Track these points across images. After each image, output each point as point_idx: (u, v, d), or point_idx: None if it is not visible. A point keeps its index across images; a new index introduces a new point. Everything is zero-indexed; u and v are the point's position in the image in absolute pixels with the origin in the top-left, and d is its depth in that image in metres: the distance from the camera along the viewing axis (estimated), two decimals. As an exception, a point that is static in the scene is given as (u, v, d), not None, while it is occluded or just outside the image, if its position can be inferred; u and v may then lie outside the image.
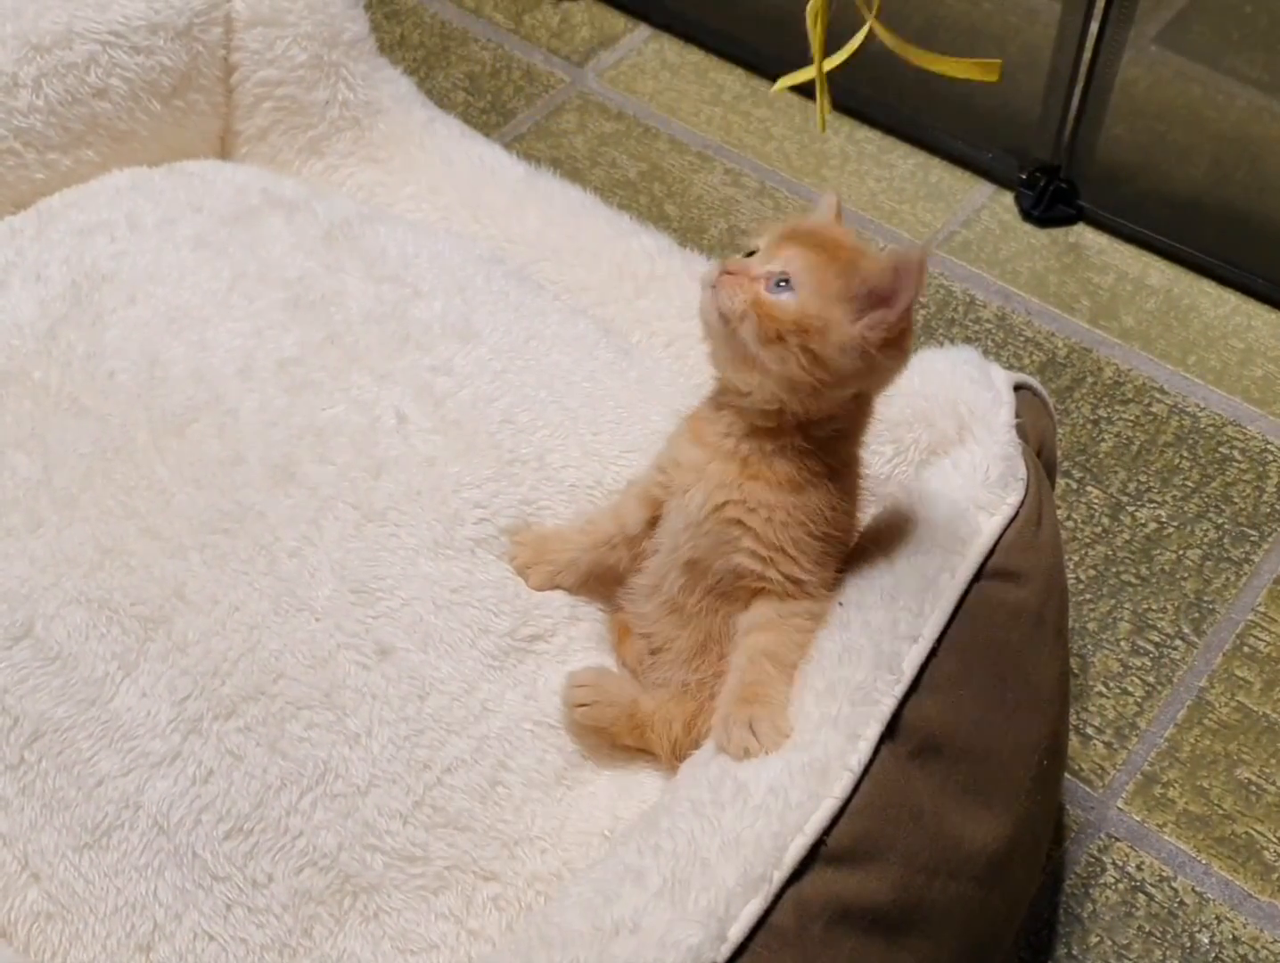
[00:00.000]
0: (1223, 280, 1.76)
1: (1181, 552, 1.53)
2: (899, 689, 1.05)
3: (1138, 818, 1.36)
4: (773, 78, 2.06)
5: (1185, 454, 1.61)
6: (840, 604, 1.10)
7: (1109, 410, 1.64)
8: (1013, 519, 1.15)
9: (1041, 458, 1.25)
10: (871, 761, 1.02)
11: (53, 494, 1.19)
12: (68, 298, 1.30)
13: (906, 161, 1.90)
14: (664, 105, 1.96)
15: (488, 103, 1.96)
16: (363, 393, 1.26)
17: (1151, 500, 1.57)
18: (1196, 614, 1.48)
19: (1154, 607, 1.49)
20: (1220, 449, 1.61)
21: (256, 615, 1.13)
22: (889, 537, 1.13)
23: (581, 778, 1.15)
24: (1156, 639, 1.46)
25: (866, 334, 1.02)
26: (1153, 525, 1.55)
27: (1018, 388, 1.25)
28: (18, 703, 1.11)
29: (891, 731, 1.04)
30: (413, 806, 1.09)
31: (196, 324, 1.29)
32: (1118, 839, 1.35)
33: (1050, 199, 1.82)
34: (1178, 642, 1.47)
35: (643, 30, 2.05)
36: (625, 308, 1.46)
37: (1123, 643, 1.47)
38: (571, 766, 1.15)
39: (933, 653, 1.08)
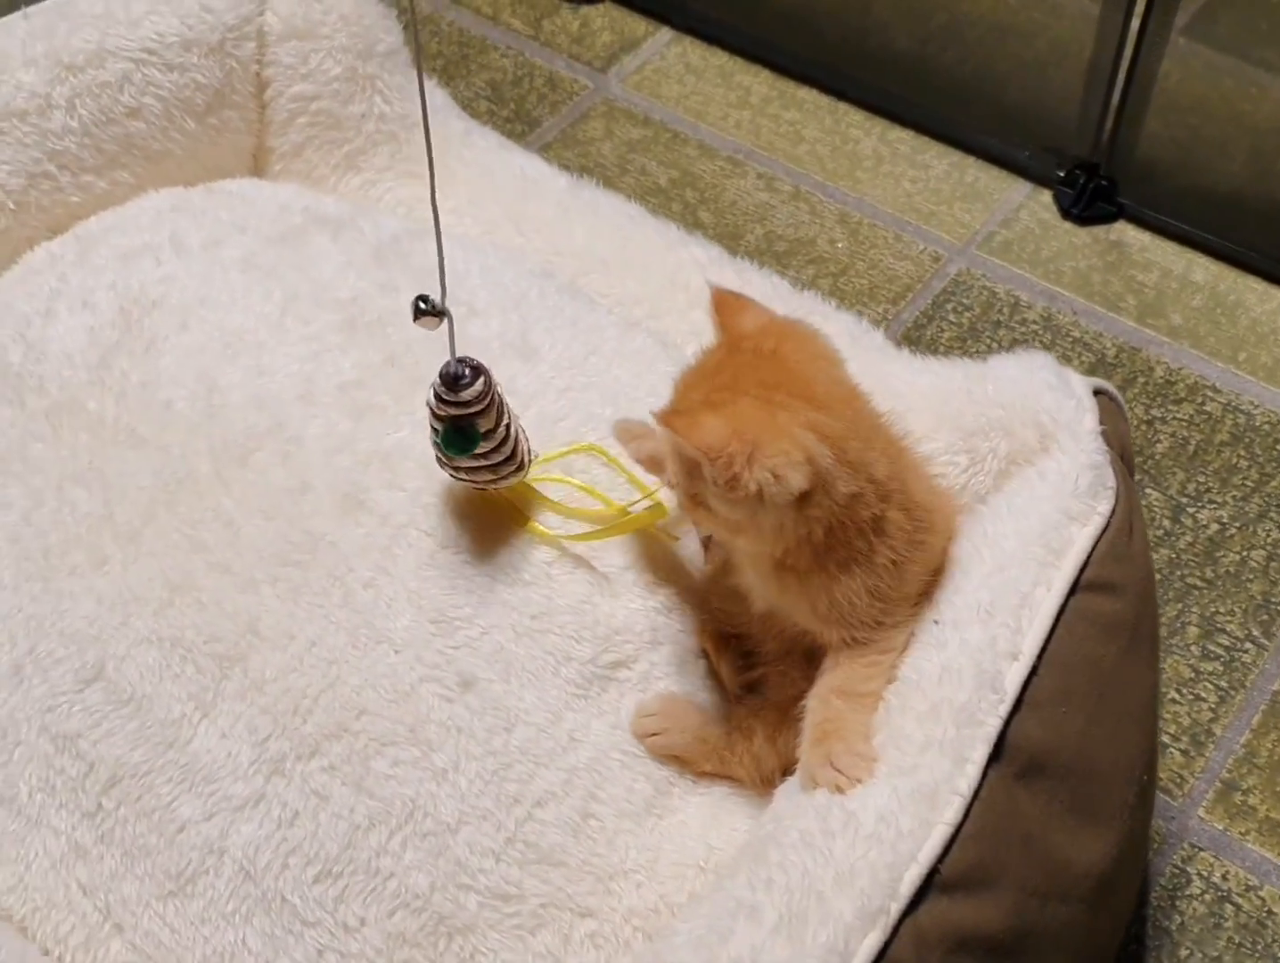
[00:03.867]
0: (1268, 276, 1.74)
1: (1245, 553, 1.51)
2: (1003, 709, 1.02)
3: (1220, 827, 1.34)
4: (800, 77, 2.06)
5: (1243, 453, 1.58)
6: (936, 622, 1.08)
7: (1162, 410, 1.62)
8: (1105, 529, 1.12)
9: (1123, 464, 1.23)
10: (980, 784, 1.00)
11: (115, 530, 1.15)
12: (118, 325, 1.26)
13: (941, 162, 1.87)
14: (691, 110, 1.93)
15: (511, 111, 1.92)
16: (427, 414, 1.22)
17: (1212, 501, 1.54)
18: (1265, 616, 1.46)
19: (1221, 610, 1.47)
20: (1277, 447, 1.58)
21: (334, 650, 1.10)
22: (979, 551, 1.11)
23: (671, 807, 1.12)
24: (1226, 643, 1.44)
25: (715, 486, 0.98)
26: (1214, 527, 1.53)
27: (1096, 393, 1.23)
28: (93, 748, 1.08)
29: (997, 752, 1.01)
30: (505, 842, 1.06)
31: (252, 349, 1.25)
32: (1201, 849, 1.32)
33: (1090, 197, 1.80)
34: (1248, 645, 1.44)
35: (664, 33, 2.02)
36: (679, 320, 1.43)
37: (1193, 648, 1.45)
38: (660, 793, 1.12)
39: (1033, 670, 1.05)
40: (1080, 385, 1.22)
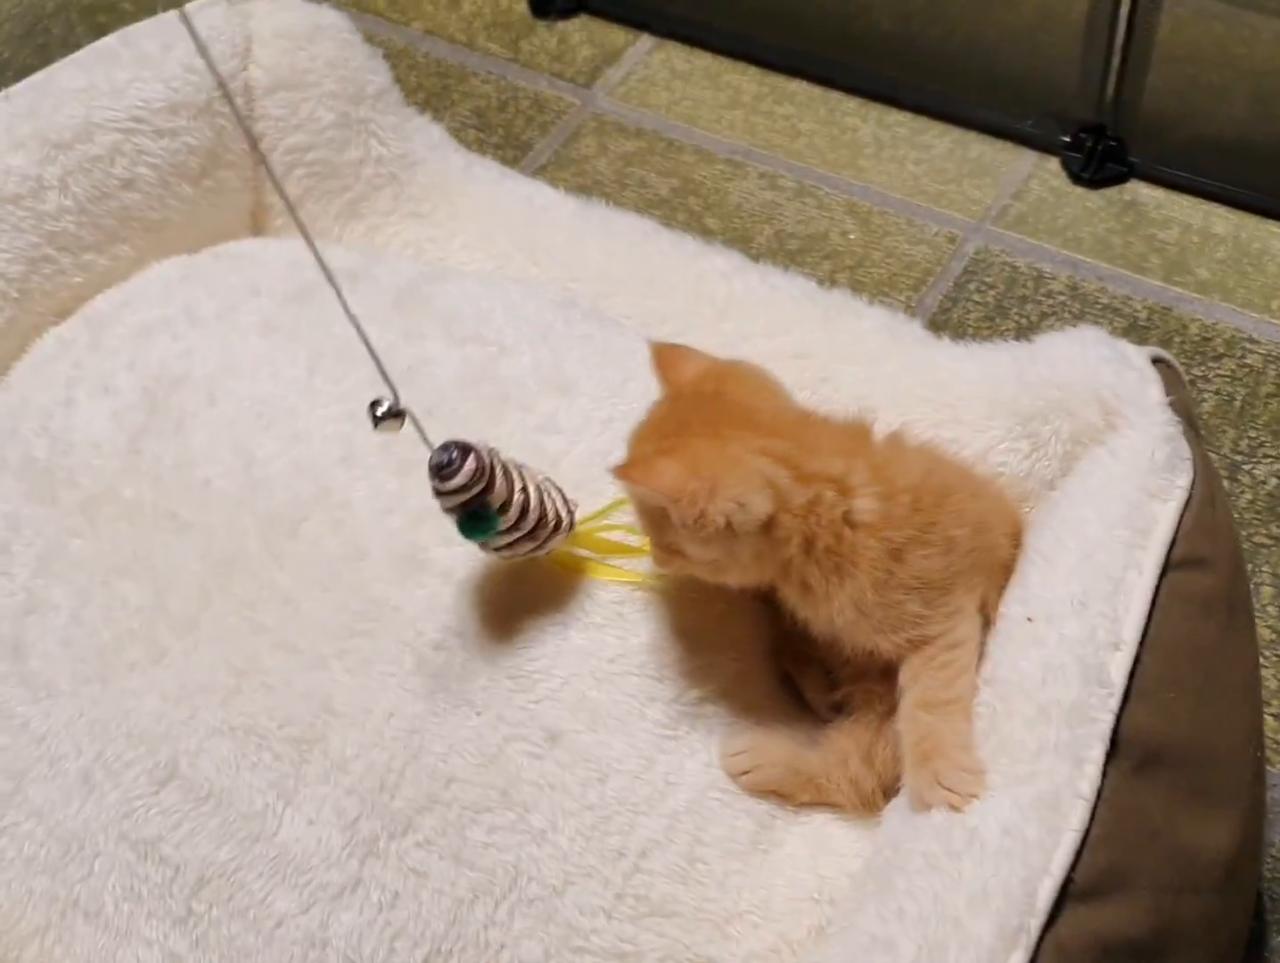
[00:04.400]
0: (1292, 221, 1.72)
1: (1308, 506, 1.48)
2: (1113, 703, 0.99)
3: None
4: (788, 70, 2.02)
5: (1293, 402, 1.56)
6: (1030, 619, 1.04)
7: (1203, 368, 1.59)
8: (1187, 503, 1.09)
9: (1193, 431, 1.19)
10: (1101, 784, 0.96)
11: (170, 620, 1.11)
12: (143, 406, 1.22)
13: (943, 140, 1.84)
14: (682, 115, 1.89)
15: (501, 138, 1.89)
16: (473, 464, 1.18)
17: (1267, 456, 1.51)
18: (1334, 570, 1.43)
19: (1292, 567, 1.44)
20: (1325, 392, 1.56)
21: (414, 719, 1.06)
22: (1062, 541, 1.07)
23: (775, 840, 1.08)
24: (1296, 601, 1.41)
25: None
26: (1274, 481, 1.49)
27: (1154, 362, 1.19)
28: (175, 851, 1.04)
29: (1112, 747, 0.98)
30: (614, 898, 1.02)
31: (285, 415, 1.21)
32: (1307, 818, 1.29)
33: (1100, 159, 1.77)
34: (1302, 600, 1.41)
35: (645, 41, 1.98)
36: (709, 333, 1.38)
37: (1269, 609, 1.41)
38: (763, 828, 1.08)
39: (1136, 658, 1.02)
40: (1137, 356, 1.19)
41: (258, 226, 1.51)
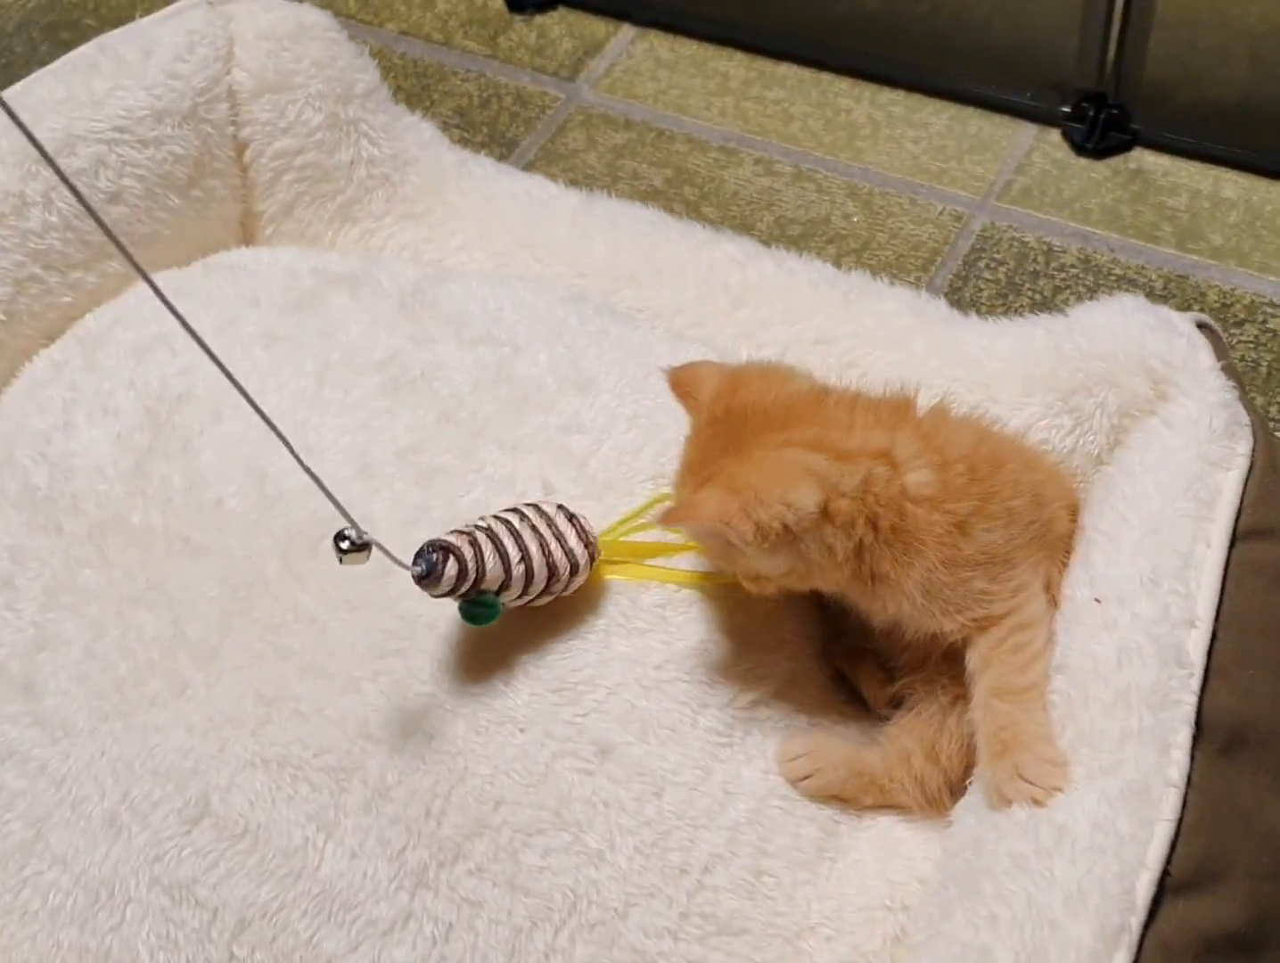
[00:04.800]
0: (1302, 181, 1.68)
1: (1344, 468, 1.43)
2: (1195, 683, 0.95)
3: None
4: (775, 54, 1.97)
5: (1319, 364, 1.52)
6: (1098, 601, 0.99)
7: (1226, 335, 1.54)
8: (1250, 470, 1.05)
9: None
10: (1190, 770, 0.92)
11: (191, 649, 1.05)
12: (146, 427, 1.16)
13: (940, 118, 1.79)
14: (671, 105, 1.84)
15: (485, 136, 1.83)
16: (498, 469, 1.13)
17: (1298, 421, 1.48)
18: (1380, 532, 1.39)
19: (1338, 533, 1.39)
20: (1352, 353, 1.52)
21: (456, 740, 1.00)
22: (1124, 517, 1.03)
23: (842, 847, 1.03)
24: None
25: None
26: (1281, 446, 1.46)
27: (1199, 327, 1.15)
28: (212, 893, 0.98)
29: (1197, 731, 0.93)
30: (679, 918, 0.97)
31: (295, 428, 1.15)
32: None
33: (1103, 128, 1.73)
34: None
35: (626, 31, 1.93)
36: (725, 323, 1.34)
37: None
38: (828, 835, 1.03)
39: (1212, 636, 0.97)
40: (1182, 322, 1.14)
41: (247, 236, 1.45)
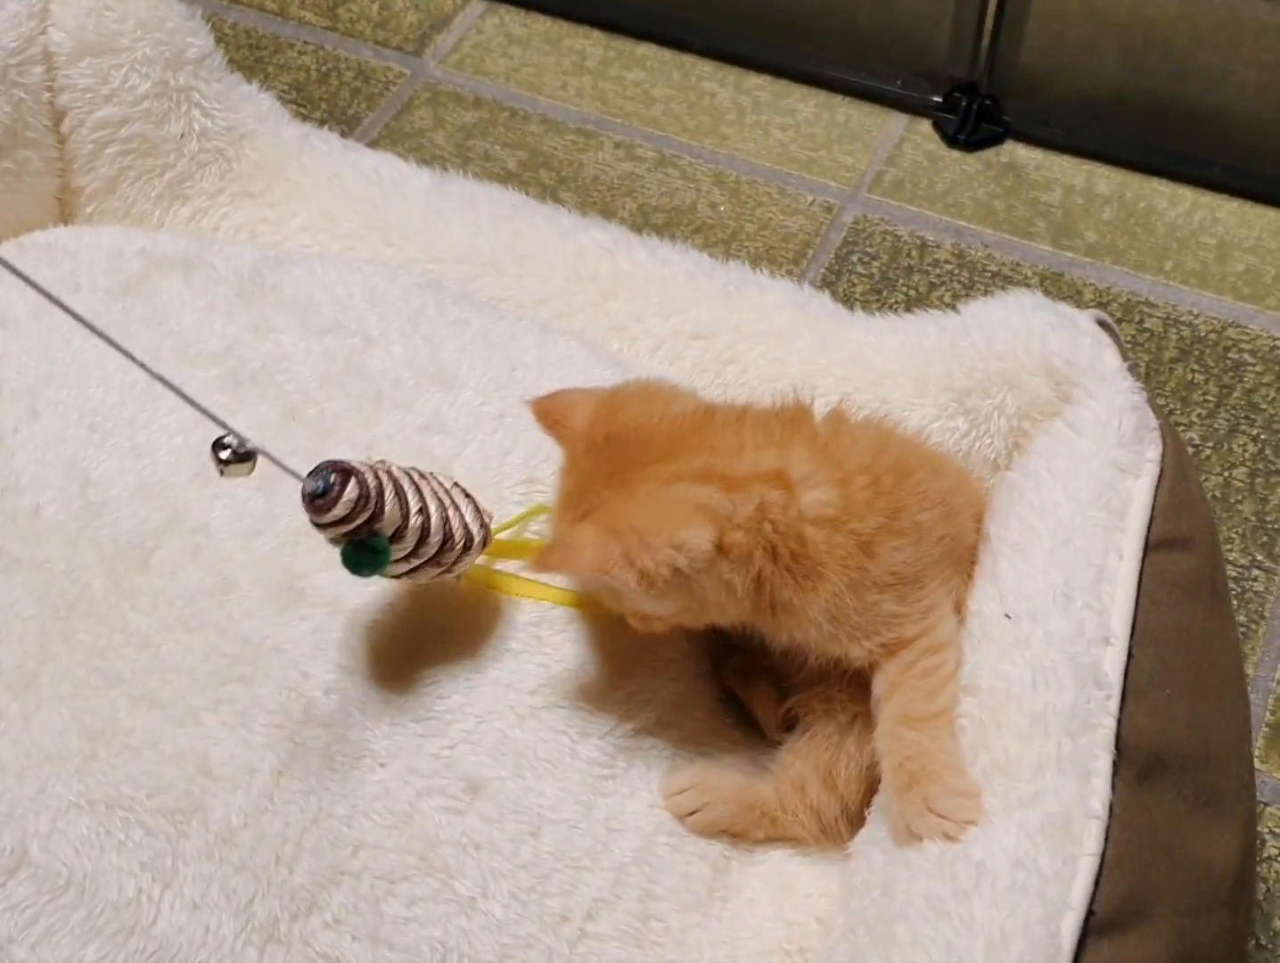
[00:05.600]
0: (1172, 176, 1.64)
1: (1227, 473, 1.40)
2: (1113, 705, 0.88)
3: (1278, 776, 1.22)
4: (635, 34, 1.87)
5: (1195, 367, 1.47)
6: (1008, 616, 0.93)
7: (1103, 335, 1.50)
8: (1160, 477, 0.99)
9: (1148, 400, 1.09)
10: (1110, 799, 0.85)
11: (3, 677, 0.93)
12: (-50, 425, 1.03)
13: (807, 105, 1.72)
14: (524, 84, 1.74)
15: (324, 113, 1.71)
16: (351, 473, 1.02)
17: (1178, 423, 1.43)
18: (1264, 537, 1.35)
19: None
20: (1229, 355, 1.48)
21: (308, 777, 0.90)
22: (1032, 527, 0.96)
23: (733, 885, 0.95)
24: (1233, 574, 1.33)
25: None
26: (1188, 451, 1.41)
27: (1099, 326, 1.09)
28: (31, 954, 0.86)
29: (1117, 756, 0.87)
30: (561, 970, 0.88)
31: (122, 427, 1.04)
32: (1267, 804, 1.20)
33: (975, 119, 1.67)
34: (1255, 572, 1.33)
35: (476, 5, 1.82)
36: (595, 315, 1.25)
37: (1200, 585, 1.33)
38: (718, 872, 0.95)
39: (1128, 653, 0.91)
40: (1084, 320, 1.08)
41: (66, 214, 1.32)
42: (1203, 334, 1.50)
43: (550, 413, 0.94)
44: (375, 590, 0.96)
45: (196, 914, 0.86)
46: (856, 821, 0.95)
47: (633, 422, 0.91)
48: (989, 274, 1.55)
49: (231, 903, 0.86)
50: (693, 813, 0.95)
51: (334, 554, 0.96)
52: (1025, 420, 1.07)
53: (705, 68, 1.76)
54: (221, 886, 0.87)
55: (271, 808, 0.88)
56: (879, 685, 0.91)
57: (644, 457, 0.88)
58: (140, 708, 0.91)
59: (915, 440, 1.03)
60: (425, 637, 0.95)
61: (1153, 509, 0.97)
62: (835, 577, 0.87)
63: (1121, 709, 0.89)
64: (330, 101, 1.73)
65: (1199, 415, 1.43)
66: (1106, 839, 0.84)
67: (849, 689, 0.94)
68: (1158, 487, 0.98)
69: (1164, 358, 1.48)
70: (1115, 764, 0.86)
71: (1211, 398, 1.45)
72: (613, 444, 0.90)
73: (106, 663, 0.93)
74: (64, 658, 0.93)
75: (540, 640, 0.97)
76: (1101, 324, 1.09)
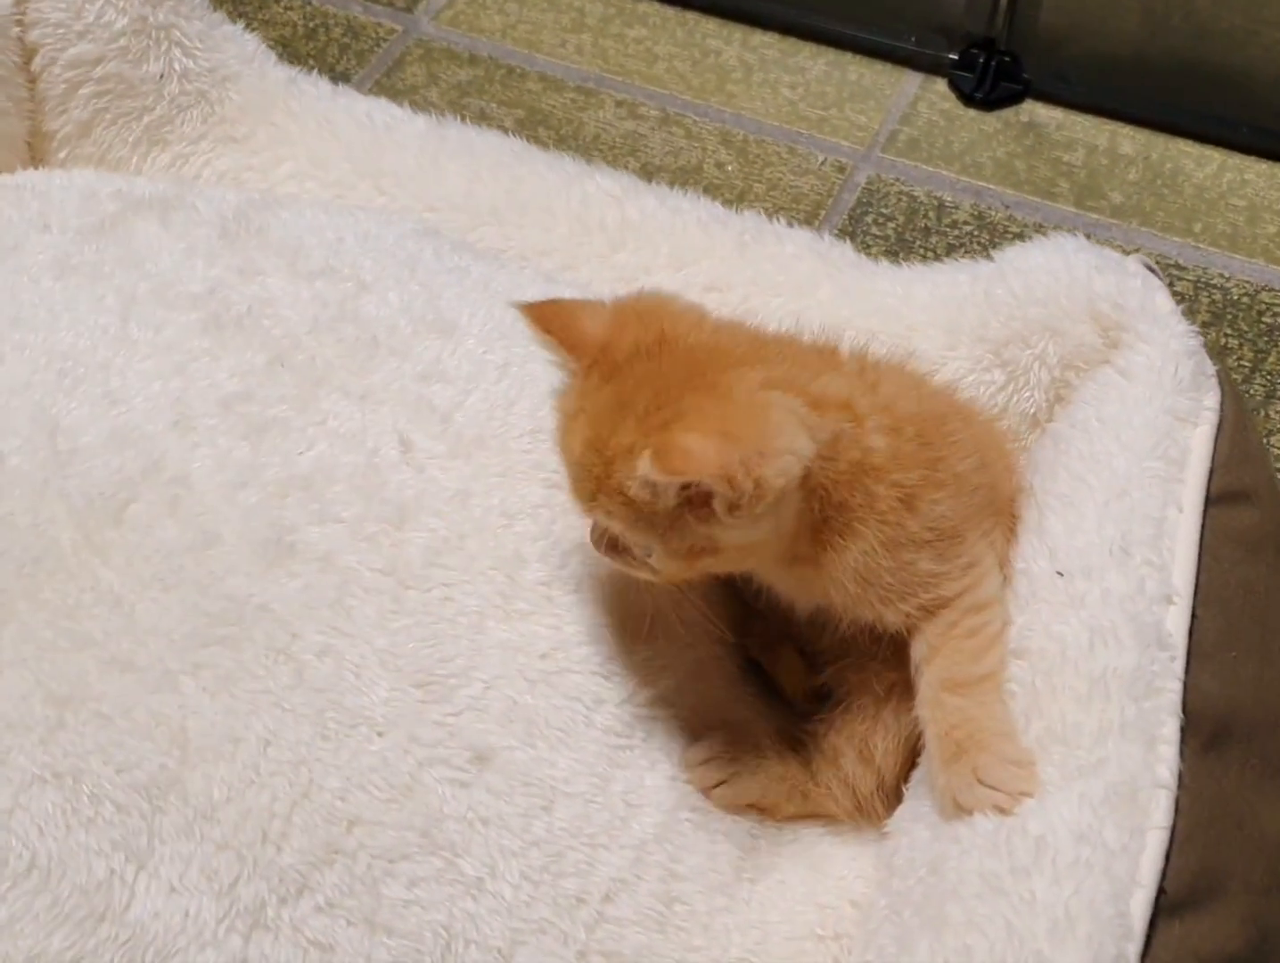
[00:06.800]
0: (1199, 137, 1.58)
1: (1267, 439, 1.33)
2: (1178, 667, 0.81)
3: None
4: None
5: (1229, 331, 1.41)
6: (1060, 574, 0.85)
7: (1132, 298, 1.43)
8: (1219, 426, 0.92)
9: (1201, 348, 1.02)
10: (1179, 768, 0.78)
11: (-38, 638, 0.85)
12: (-93, 370, 0.95)
13: (817, 63, 1.65)
14: (521, 41, 1.67)
15: (312, 69, 1.63)
16: (344, 422, 0.95)
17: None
18: (1307, 506, 1.28)
19: (1259, 509, 1.29)
20: (1264, 319, 1.41)
21: (298, 747, 0.82)
22: (1083, 479, 0.89)
23: (762, 866, 0.88)
24: None
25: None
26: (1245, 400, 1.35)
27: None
28: (-12, 944, 0.77)
29: (1184, 722, 0.80)
30: (577, 957, 0.82)
31: (95, 372, 0.96)
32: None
33: (993, 77, 1.60)
34: (1296, 541, 1.26)
35: (470, -41, 1.75)
36: (601, 266, 1.17)
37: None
38: (746, 852, 0.88)
39: (1191, 613, 0.84)
40: (1131, 262, 1.01)
41: (36, 159, 1.24)
42: (1235, 298, 1.43)
43: (552, 317, 0.83)
44: (368, 545, 0.88)
45: (174, 898, 0.78)
46: (893, 797, 0.88)
47: (682, 326, 0.81)
48: (1011, 235, 1.48)
49: (213, 885, 0.78)
50: (718, 785, 0.88)
51: (324, 504, 0.90)
52: (1069, 370, 1.01)
53: (710, 25, 1.68)
54: (202, 866, 0.79)
55: (257, 781, 0.81)
56: (918, 650, 0.84)
57: (721, 360, 0.78)
58: (112, 672, 0.83)
59: (942, 386, 0.96)
60: (426, 594, 0.88)
61: (1213, 460, 0.90)
62: (871, 532, 0.79)
63: (1186, 673, 0.82)
64: (318, 58, 1.65)
65: (1234, 382, 1.36)
66: (1176, 811, 0.77)
67: (884, 656, 0.87)
68: (1217, 436, 0.92)
69: (1196, 322, 1.39)
70: (1182, 731, 0.79)
71: (1246, 363, 1.38)
72: (673, 347, 0.79)
73: (75, 624, 0.85)
74: (28, 618, 0.85)
75: (551, 601, 0.90)
76: (1148, 269, 1.03)
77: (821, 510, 0.79)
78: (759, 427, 0.74)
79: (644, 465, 0.73)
